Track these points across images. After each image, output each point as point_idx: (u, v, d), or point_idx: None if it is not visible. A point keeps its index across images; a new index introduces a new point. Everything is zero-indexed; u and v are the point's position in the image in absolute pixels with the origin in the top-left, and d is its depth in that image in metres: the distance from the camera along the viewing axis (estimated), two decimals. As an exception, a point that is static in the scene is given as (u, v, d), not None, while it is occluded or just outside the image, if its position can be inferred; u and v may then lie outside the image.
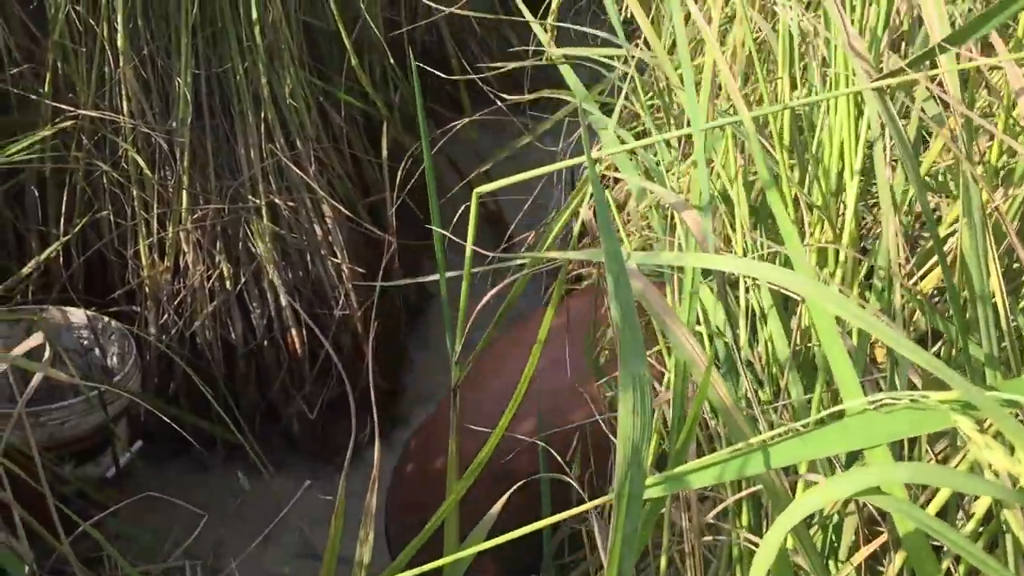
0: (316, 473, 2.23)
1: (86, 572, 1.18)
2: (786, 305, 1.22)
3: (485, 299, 1.14)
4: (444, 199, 2.78)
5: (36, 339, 1.06)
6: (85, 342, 1.99)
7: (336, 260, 2.26)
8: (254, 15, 2.13)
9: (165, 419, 2.12)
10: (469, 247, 1.18)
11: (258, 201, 2.20)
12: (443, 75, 2.04)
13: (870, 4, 1.14)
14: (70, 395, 1.83)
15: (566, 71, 1.63)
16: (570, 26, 1.85)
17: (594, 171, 0.73)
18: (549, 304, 1.70)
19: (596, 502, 0.72)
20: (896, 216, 1.03)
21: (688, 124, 1.52)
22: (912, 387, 1.00)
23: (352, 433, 1.11)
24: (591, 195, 1.41)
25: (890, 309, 0.97)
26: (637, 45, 1.80)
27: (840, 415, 0.68)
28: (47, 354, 1.15)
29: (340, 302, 2.25)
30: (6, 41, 2.02)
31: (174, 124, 2.13)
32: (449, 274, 1.15)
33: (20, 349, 1.03)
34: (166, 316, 2.15)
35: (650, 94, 1.79)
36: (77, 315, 1.98)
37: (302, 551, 2.07)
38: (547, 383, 1.55)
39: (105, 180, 2.12)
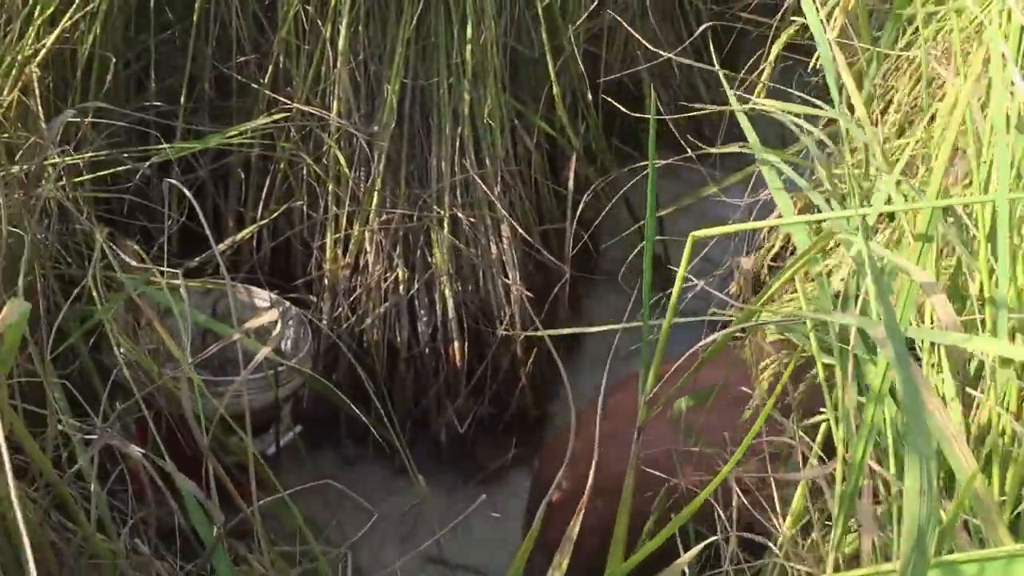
0: (457, 486, 2.27)
1: (266, 538, 1.23)
2: (964, 400, 1.18)
3: (694, 349, 1.14)
4: (615, 240, 2.80)
5: (271, 315, 1.11)
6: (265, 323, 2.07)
7: (507, 280, 2.29)
8: (468, 35, 2.20)
9: (330, 408, 2.19)
10: (677, 284, 1.18)
11: (442, 212, 2.26)
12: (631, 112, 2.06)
13: None
14: (239, 371, 1.91)
15: (746, 126, 1.61)
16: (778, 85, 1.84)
17: (866, 233, 0.72)
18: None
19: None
20: None
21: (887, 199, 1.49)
22: None
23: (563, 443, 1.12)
24: (801, 255, 1.38)
25: None
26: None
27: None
28: (278, 329, 1.21)
29: (504, 322, 2.28)
30: (239, 31, 2.15)
31: (376, 128, 2.22)
32: (651, 323, 1.14)
33: (256, 322, 1.09)
34: (340, 310, 2.22)
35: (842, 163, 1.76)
36: (261, 295, 2.06)
37: (434, 557, 2.10)
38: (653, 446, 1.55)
39: (305, 172, 2.22)
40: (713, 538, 1.21)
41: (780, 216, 1.89)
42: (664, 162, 1.94)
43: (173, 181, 1.46)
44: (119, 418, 1.43)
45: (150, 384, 1.54)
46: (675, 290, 1.21)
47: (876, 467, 1.12)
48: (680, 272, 1.21)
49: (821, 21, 1.69)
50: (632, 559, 1.08)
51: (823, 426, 1.28)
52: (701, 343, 1.16)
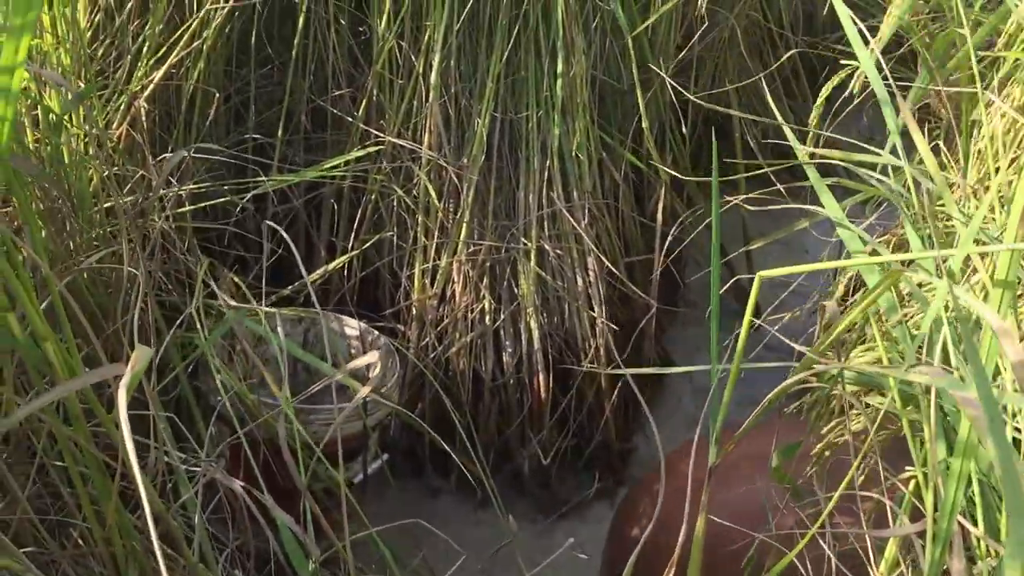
0: (538, 518, 2.26)
1: (356, 570, 1.25)
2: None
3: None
4: (699, 275, 2.77)
5: (373, 357, 1.14)
6: (354, 351, 2.10)
7: (592, 313, 2.29)
8: (559, 69, 2.21)
9: (414, 437, 2.21)
10: (743, 338, 1.15)
11: (529, 244, 2.27)
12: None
13: None
14: (327, 399, 1.94)
15: (814, 177, 1.58)
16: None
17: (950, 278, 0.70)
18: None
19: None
20: None
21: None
22: None
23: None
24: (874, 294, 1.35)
25: None
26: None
27: None
28: (377, 370, 1.23)
29: (589, 355, 2.28)
30: (335, 66, 2.20)
31: (466, 161, 2.25)
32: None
33: (363, 360, 1.11)
34: (427, 340, 2.25)
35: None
36: (351, 324, 2.09)
37: (515, 592, 2.10)
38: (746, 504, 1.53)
39: (395, 203, 2.25)
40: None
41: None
42: (736, 197, 1.92)
43: (271, 223, 1.50)
44: (219, 450, 1.47)
45: (245, 411, 1.57)
46: (743, 332, 1.19)
47: (968, 525, 1.09)
48: (747, 314, 1.19)
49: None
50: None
51: (912, 483, 1.24)
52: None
